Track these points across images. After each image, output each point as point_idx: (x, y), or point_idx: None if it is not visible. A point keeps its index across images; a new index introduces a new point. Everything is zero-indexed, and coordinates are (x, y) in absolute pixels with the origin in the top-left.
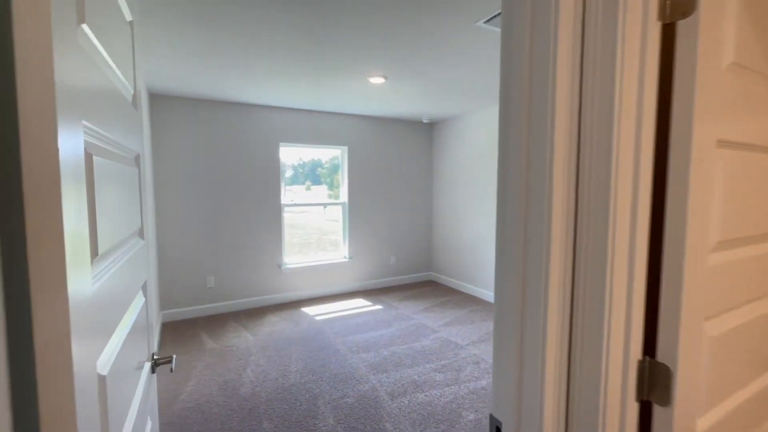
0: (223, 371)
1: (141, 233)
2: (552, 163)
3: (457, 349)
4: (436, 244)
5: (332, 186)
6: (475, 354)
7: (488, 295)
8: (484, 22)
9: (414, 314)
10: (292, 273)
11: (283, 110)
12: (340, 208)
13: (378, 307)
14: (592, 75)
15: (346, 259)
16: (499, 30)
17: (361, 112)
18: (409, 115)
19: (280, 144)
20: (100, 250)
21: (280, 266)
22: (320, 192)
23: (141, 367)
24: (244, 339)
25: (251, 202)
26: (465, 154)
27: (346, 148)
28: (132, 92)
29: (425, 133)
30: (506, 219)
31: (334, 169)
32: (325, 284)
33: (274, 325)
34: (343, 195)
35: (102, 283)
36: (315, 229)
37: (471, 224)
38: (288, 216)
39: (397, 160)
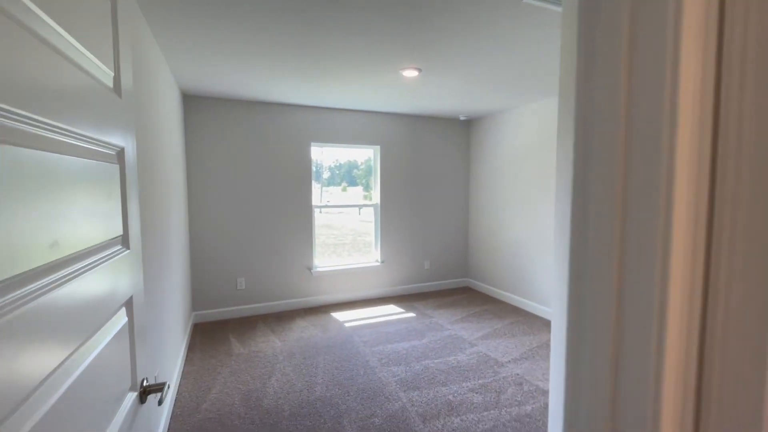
0: (248, 379)
1: (125, 241)
2: (673, 165)
3: (496, 367)
4: (473, 248)
5: (367, 187)
6: (517, 374)
7: (530, 305)
8: None
9: (449, 324)
10: (322, 276)
11: (313, 109)
12: (372, 210)
13: (410, 314)
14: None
15: (378, 263)
16: (553, 7)
17: (393, 110)
18: (445, 112)
19: (312, 144)
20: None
21: (310, 269)
22: (356, 193)
23: (120, 399)
24: (271, 344)
25: (282, 203)
26: (506, 154)
27: (378, 147)
28: (111, 75)
29: (462, 131)
30: (588, 220)
31: (370, 170)
32: (355, 289)
33: (303, 331)
34: (376, 196)
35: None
36: (349, 230)
37: (511, 228)
38: (324, 217)
39: (431, 159)
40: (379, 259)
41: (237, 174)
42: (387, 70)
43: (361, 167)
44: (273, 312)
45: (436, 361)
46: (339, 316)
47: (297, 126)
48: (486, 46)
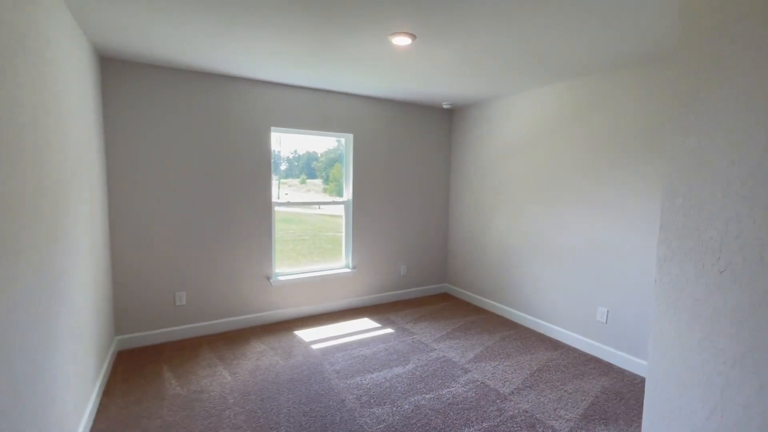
0: None
1: None
2: None
3: (499, 401)
4: (454, 252)
5: (327, 180)
6: (525, 410)
7: (518, 315)
8: None
9: (434, 342)
10: (284, 287)
11: (275, 87)
12: (342, 207)
13: (389, 330)
14: None
15: (349, 270)
16: None
17: (370, 93)
18: (428, 97)
19: (272, 129)
20: None
21: (269, 278)
22: (315, 186)
23: None
24: (219, 379)
25: (235, 200)
26: (493, 148)
27: (351, 136)
28: None
29: (444, 121)
30: None
31: (330, 162)
32: (323, 299)
33: (260, 357)
34: (347, 192)
35: None
36: (310, 225)
37: (498, 231)
38: (280, 210)
39: (410, 152)
40: (350, 265)
41: (176, 164)
42: (375, 34)
43: (321, 159)
44: (222, 332)
45: (427, 396)
46: (304, 334)
47: (254, 106)
48: (490, 11)
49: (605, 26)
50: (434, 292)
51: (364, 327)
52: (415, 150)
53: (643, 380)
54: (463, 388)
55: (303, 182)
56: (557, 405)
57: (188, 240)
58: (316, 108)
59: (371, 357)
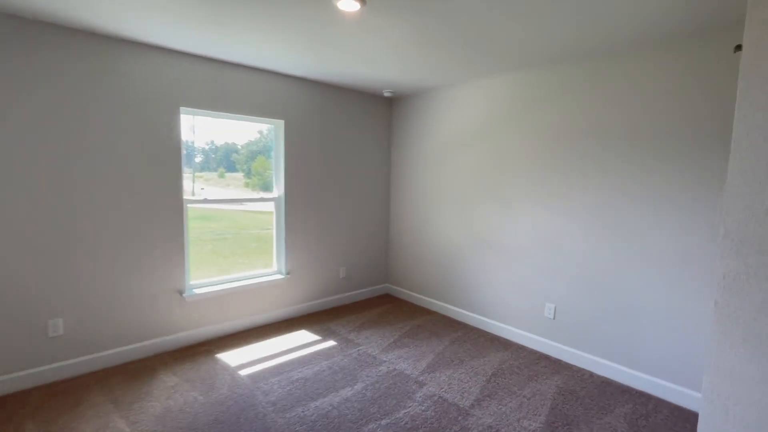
0: None
1: None
2: None
3: (461, 419)
4: (395, 250)
5: (249, 174)
6: (489, 425)
7: (465, 315)
8: None
9: (382, 353)
10: (202, 301)
11: (185, 58)
12: (272, 204)
13: (331, 343)
14: None
15: (282, 276)
16: None
17: (305, 74)
18: (369, 82)
19: (182, 110)
20: None
21: (181, 292)
22: (236, 180)
23: None
24: None
25: (134, 197)
26: (438, 141)
27: (282, 122)
28: None
29: (384, 110)
30: None
31: (252, 155)
32: (252, 312)
33: (171, 395)
34: (278, 187)
35: None
36: (231, 221)
37: (444, 228)
38: (198, 206)
39: (348, 143)
40: (284, 271)
41: (52, 149)
42: None
43: (241, 151)
44: (118, 365)
45: (383, 422)
46: (230, 357)
47: (158, 81)
48: None
49: (562, 19)
50: (375, 293)
51: (302, 341)
52: (354, 141)
53: (591, 374)
54: (420, 407)
55: (222, 176)
56: (519, 414)
57: (68, 250)
58: (239, 87)
59: (314, 379)
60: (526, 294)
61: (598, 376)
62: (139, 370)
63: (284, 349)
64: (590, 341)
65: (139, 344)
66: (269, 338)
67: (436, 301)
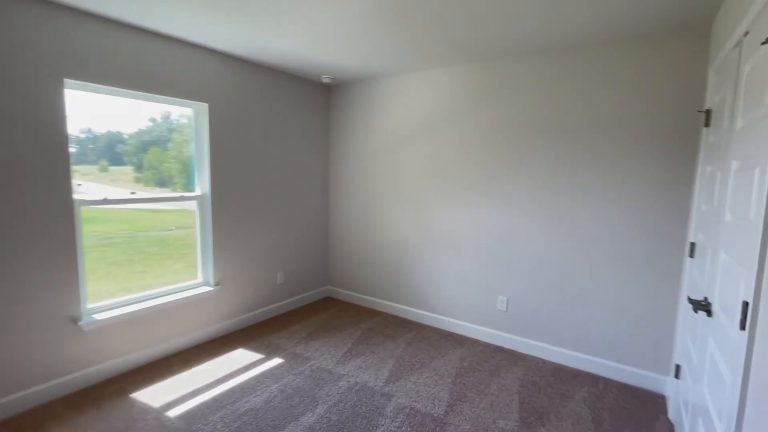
0: None
1: None
2: None
3: (438, 428)
4: (337, 250)
5: (140, 168)
6: (469, 431)
7: (417, 314)
8: None
9: (338, 366)
10: (106, 329)
11: (78, 16)
12: (195, 203)
13: (277, 360)
14: None
15: (211, 288)
16: None
17: (237, 49)
18: (309, 66)
19: (67, 82)
20: None
21: (77, 320)
22: (124, 175)
23: None
24: None
25: (3, 199)
26: (386, 131)
27: (206, 106)
28: None
29: (321, 97)
30: None
31: (143, 146)
32: (174, 335)
33: None
34: (201, 183)
35: None
36: (125, 221)
37: (391, 224)
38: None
39: (284, 133)
40: (212, 281)
41: None
42: None
43: (130, 141)
44: None
45: None
46: (150, 396)
47: (35, 42)
48: None
49: (525, 11)
50: (316, 297)
51: (242, 363)
52: (290, 131)
53: (544, 362)
54: (394, 423)
55: (104, 170)
56: (493, 414)
57: None
58: (147, 59)
59: (265, 408)
60: (479, 288)
61: (551, 363)
62: (21, 429)
63: (221, 375)
64: (542, 331)
65: (21, 393)
66: (200, 364)
67: (384, 301)
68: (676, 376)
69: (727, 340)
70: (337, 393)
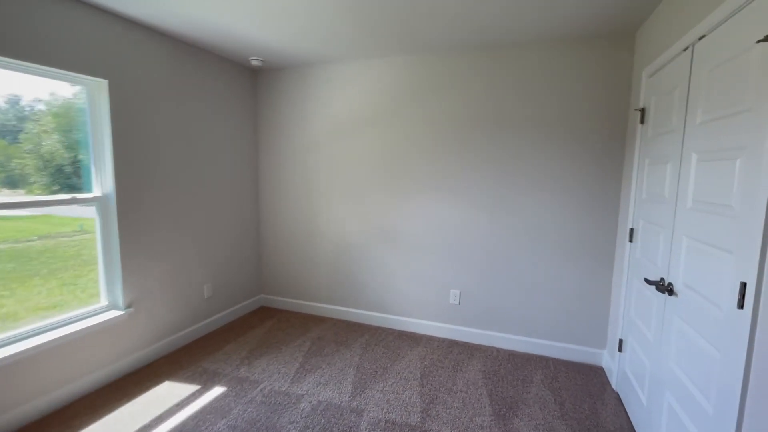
0: None
1: None
2: None
3: None
4: (271, 255)
5: None
6: None
7: (367, 316)
8: None
9: (293, 385)
10: None
11: None
12: (93, 209)
13: (218, 390)
14: None
15: (120, 312)
16: None
17: (138, 12)
18: (236, 43)
19: None
20: None
21: None
22: None
23: None
24: None
25: None
26: (325, 123)
27: (104, 84)
28: None
29: (247, 83)
30: None
31: None
32: (76, 376)
33: None
34: (102, 181)
35: None
36: None
37: (332, 224)
38: None
39: (205, 121)
40: (121, 304)
41: None
42: None
43: None
44: None
45: None
46: None
47: None
48: None
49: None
50: (249, 309)
51: (172, 400)
52: (215, 122)
53: (498, 350)
54: None
55: None
56: (468, 412)
57: None
58: (12, 13)
59: None
60: (430, 283)
61: (505, 351)
62: None
63: (148, 420)
64: (494, 320)
65: None
66: (116, 409)
67: (330, 306)
68: (620, 349)
69: (709, 318)
70: (301, 418)
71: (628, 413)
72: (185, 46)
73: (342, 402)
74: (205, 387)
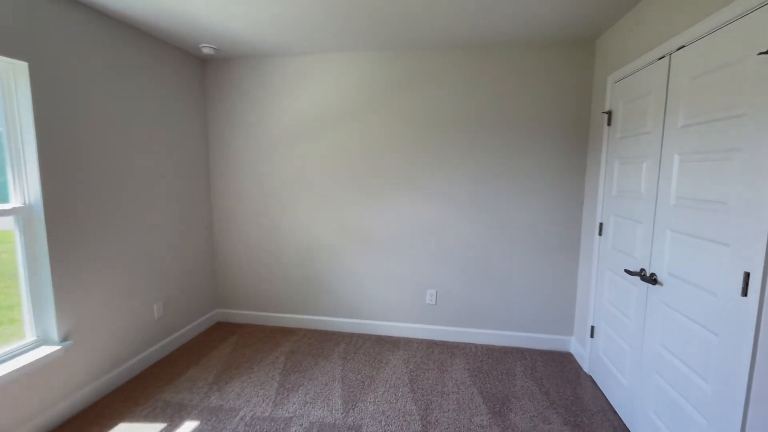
0: None
1: None
2: None
3: None
4: (228, 265)
5: None
6: None
7: (342, 323)
8: None
9: (278, 408)
10: None
11: None
12: (11, 220)
13: (190, 425)
14: None
15: (55, 348)
16: None
17: None
18: (187, 24)
19: None
20: None
21: None
22: None
23: None
24: None
25: None
26: (288, 120)
27: (24, 66)
28: None
29: (196, 73)
30: None
31: None
32: (2, 429)
33: None
34: (23, 190)
35: None
36: None
37: (302, 230)
38: None
39: (152, 117)
40: (56, 336)
41: None
42: None
43: None
44: None
45: None
46: None
47: None
48: None
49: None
50: (205, 326)
51: None
52: (161, 118)
53: (476, 346)
54: None
55: None
56: (465, 414)
57: None
58: None
59: None
60: (406, 285)
61: (482, 346)
62: None
63: None
64: (470, 317)
65: None
66: None
67: (299, 316)
68: (591, 335)
69: (703, 305)
70: None
71: (605, 395)
72: (121, 26)
73: (336, 420)
74: (173, 424)
